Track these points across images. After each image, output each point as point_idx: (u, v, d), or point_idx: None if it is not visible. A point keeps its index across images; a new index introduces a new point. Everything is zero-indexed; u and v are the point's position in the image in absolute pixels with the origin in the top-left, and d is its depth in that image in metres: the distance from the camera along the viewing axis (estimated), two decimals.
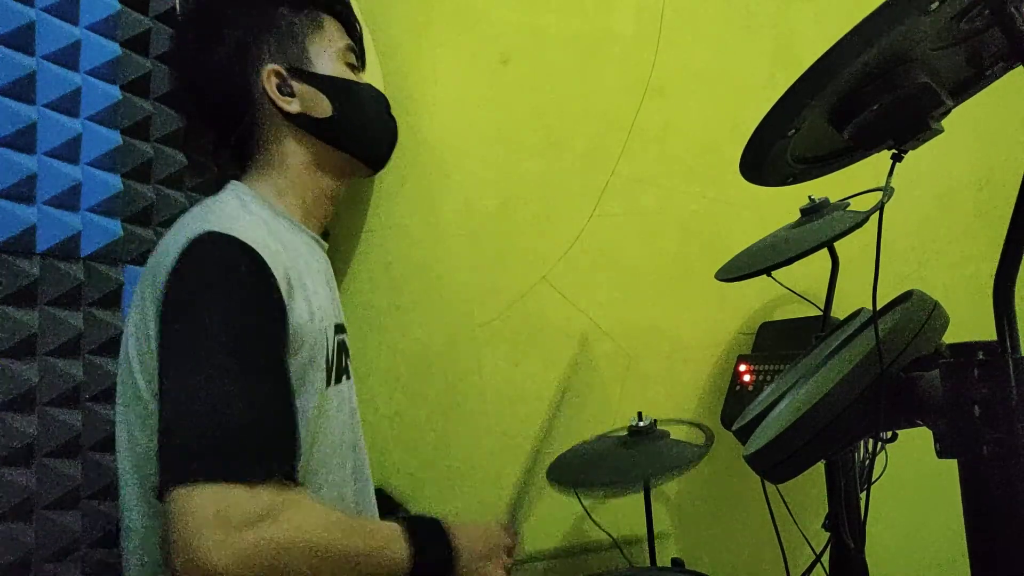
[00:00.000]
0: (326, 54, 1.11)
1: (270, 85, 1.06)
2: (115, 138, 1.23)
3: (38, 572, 1.05)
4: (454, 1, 1.79)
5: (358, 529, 0.91)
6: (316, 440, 1.01)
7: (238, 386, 0.83)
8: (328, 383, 1.04)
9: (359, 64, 1.18)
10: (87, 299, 1.17)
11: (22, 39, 1.09)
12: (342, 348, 1.13)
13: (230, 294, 0.88)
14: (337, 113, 1.09)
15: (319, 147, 1.10)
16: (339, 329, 1.13)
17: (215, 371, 0.83)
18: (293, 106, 1.07)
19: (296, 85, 1.08)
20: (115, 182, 1.22)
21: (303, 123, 1.08)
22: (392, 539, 0.92)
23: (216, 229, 0.90)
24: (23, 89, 1.08)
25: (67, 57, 1.16)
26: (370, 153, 1.17)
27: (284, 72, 1.07)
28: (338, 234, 1.83)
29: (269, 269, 0.90)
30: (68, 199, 1.14)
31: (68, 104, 1.15)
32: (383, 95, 1.19)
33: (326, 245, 1.18)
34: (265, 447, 0.82)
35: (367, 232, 1.79)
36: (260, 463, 0.80)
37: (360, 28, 1.21)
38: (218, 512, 0.76)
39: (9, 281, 1.04)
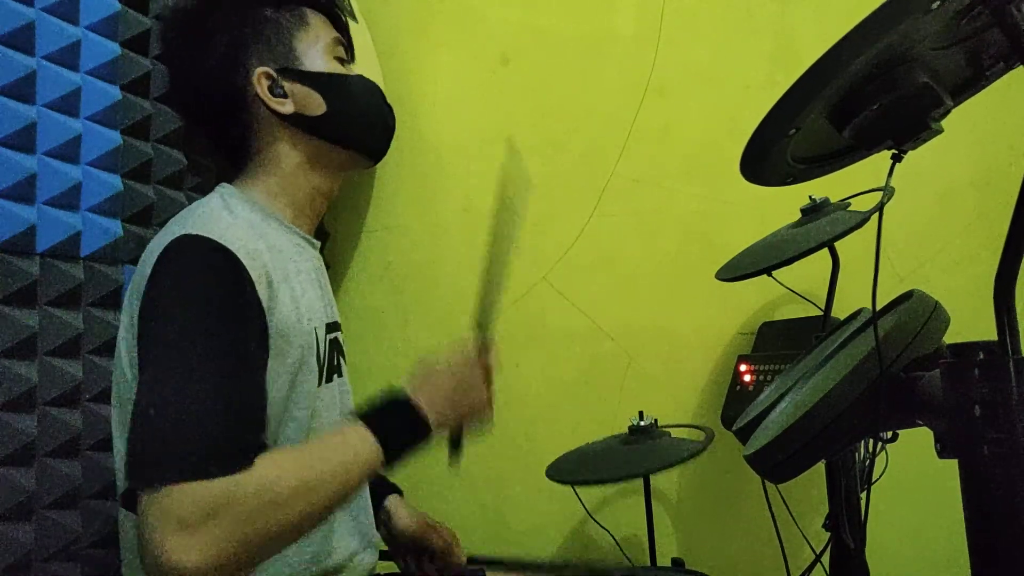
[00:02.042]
0: (314, 50, 1.10)
1: (262, 88, 1.06)
2: (115, 138, 1.23)
3: (38, 572, 1.05)
4: (454, 1, 1.79)
5: (319, 453, 0.88)
6: (309, 439, 1.01)
7: (203, 387, 0.82)
8: (319, 382, 1.04)
9: (348, 56, 1.17)
10: (87, 299, 1.17)
11: (22, 39, 1.09)
12: (335, 347, 1.13)
13: (201, 295, 0.88)
14: (330, 109, 1.09)
15: (315, 145, 1.10)
16: (331, 328, 1.13)
17: (181, 373, 0.83)
18: (287, 107, 1.07)
19: (287, 85, 1.07)
20: (115, 182, 1.22)
21: (298, 123, 1.08)
22: (357, 443, 0.89)
23: (192, 232, 0.90)
24: (23, 89, 1.08)
25: (67, 57, 1.16)
26: (367, 145, 1.16)
27: (274, 73, 1.07)
28: (338, 234, 1.83)
29: (245, 270, 0.90)
30: (68, 199, 1.14)
31: (68, 104, 1.15)
32: (376, 84, 1.18)
33: (318, 244, 1.18)
34: (223, 445, 0.81)
35: (367, 232, 1.79)
36: (216, 461, 0.80)
37: (345, 19, 1.20)
38: (174, 513, 0.75)
39: (9, 281, 1.04)
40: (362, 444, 0.89)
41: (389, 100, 1.22)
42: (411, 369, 1.00)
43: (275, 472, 0.82)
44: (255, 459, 0.82)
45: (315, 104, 1.08)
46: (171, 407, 0.81)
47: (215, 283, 0.89)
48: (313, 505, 0.84)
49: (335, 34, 1.14)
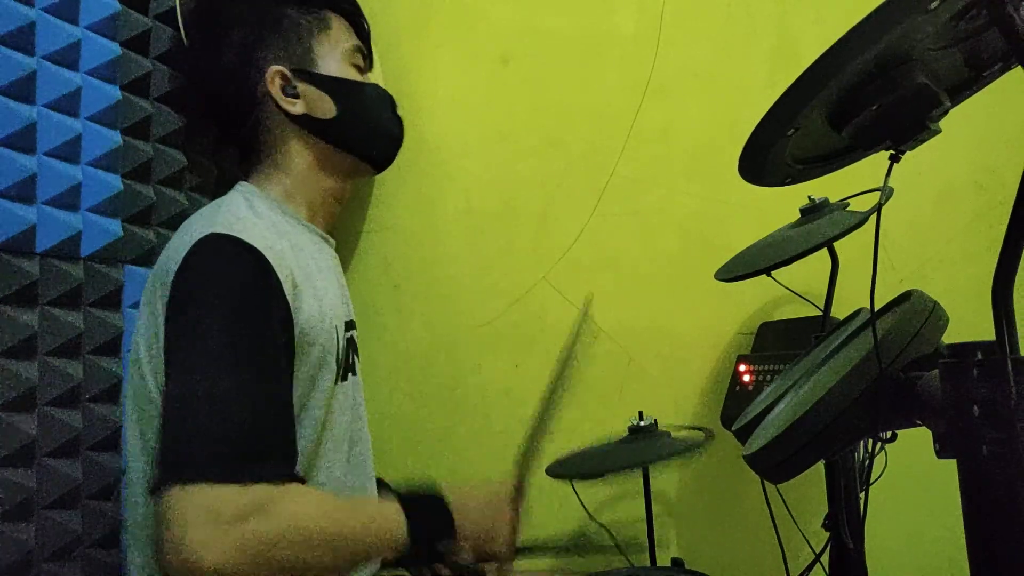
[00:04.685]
0: (332, 55, 1.11)
1: (274, 87, 1.07)
2: (115, 138, 1.23)
3: (38, 572, 1.05)
4: (454, 1, 1.79)
5: (353, 511, 0.90)
6: (322, 436, 1.01)
7: (235, 387, 0.83)
8: (336, 380, 1.04)
9: (366, 64, 1.17)
10: (87, 299, 1.17)
11: (22, 39, 1.09)
12: (351, 345, 1.13)
13: (231, 295, 0.88)
14: (341, 114, 1.09)
15: (323, 148, 1.10)
16: (349, 326, 1.14)
17: (213, 372, 0.83)
18: (297, 107, 1.07)
19: (300, 86, 1.08)
20: (115, 182, 1.22)
21: (307, 124, 1.08)
22: (388, 516, 0.91)
23: (220, 231, 0.90)
24: (23, 89, 1.09)
25: (67, 57, 1.16)
26: (374, 153, 1.17)
27: (288, 73, 1.07)
28: (338, 234, 1.83)
29: (273, 270, 0.91)
30: (68, 199, 1.14)
31: (68, 104, 1.15)
32: (388, 94, 1.19)
33: (334, 242, 1.18)
34: (259, 447, 0.82)
35: (367, 232, 1.79)
36: (253, 464, 0.80)
37: (368, 27, 1.20)
38: (207, 509, 0.76)
39: (9, 281, 1.04)
40: (395, 523, 0.90)
41: None
42: (452, 485, 1.01)
43: (311, 510, 0.83)
44: (292, 475, 0.83)
45: (326, 107, 1.08)
46: (210, 408, 0.81)
47: (246, 283, 0.89)
48: (332, 556, 0.85)
49: (356, 42, 1.15)
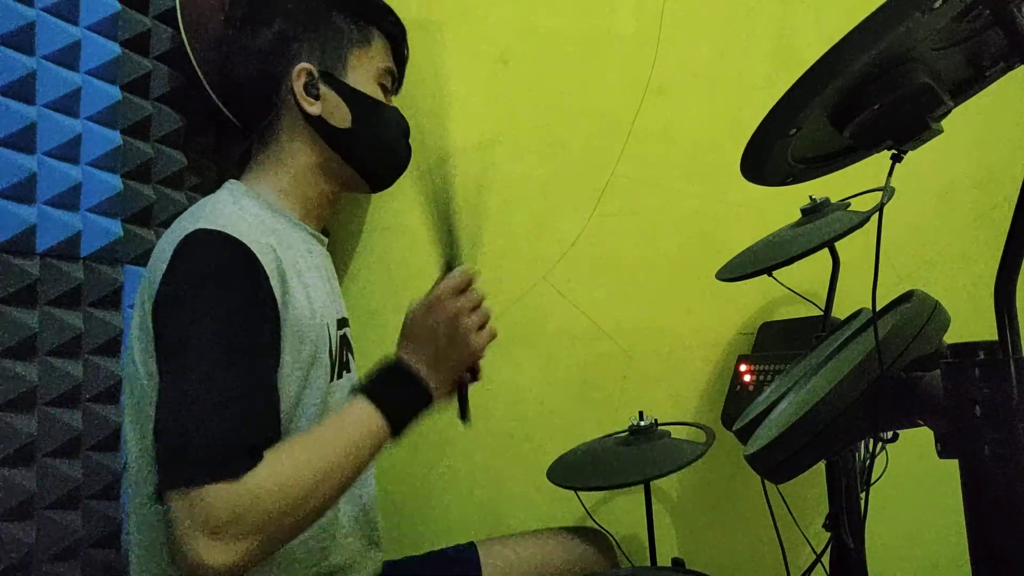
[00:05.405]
0: (363, 69, 1.12)
1: (298, 83, 1.08)
2: (115, 138, 1.23)
3: (38, 572, 1.05)
4: (454, 1, 1.79)
5: (328, 438, 0.89)
6: None
7: (229, 385, 0.83)
8: (331, 378, 1.04)
9: (393, 89, 1.19)
10: (87, 299, 1.17)
11: (22, 39, 1.09)
12: (344, 343, 1.13)
13: (218, 290, 0.88)
14: (355, 126, 1.11)
15: (328, 155, 1.11)
16: (341, 324, 1.14)
17: (205, 370, 0.83)
18: (314, 108, 1.08)
19: (323, 89, 1.09)
20: (115, 182, 1.22)
21: (319, 127, 1.09)
22: (359, 417, 0.91)
23: (206, 226, 0.91)
24: (23, 89, 1.08)
25: (67, 57, 1.16)
26: (375, 174, 1.18)
27: (315, 73, 1.08)
28: (338, 234, 1.83)
29: (259, 264, 0.91)
30: (68, 199, 1.14)
31: (68, 104, 1.15)
32: (405, 121, 1.20)
33: (326, 240, 1.19)
34: (256, 443, 0.82)
35: (367, 232, 1.79)
36: (247, 458, 0.80)
37: (407, 55, 1.22)
38: (205, 517, 0.76)
39: (9, 281, 1.04)
40: (369, 420, 0.91)
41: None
42: (398, 334, 0.99)
43: (292, 468, 0.83)
44: (264, 453, 0.83)
45: (342, 116, 1.10)
46: (192, 407, 0.82)
47: (231, 277, 0.90)
48: (330, 492, 0.86)
49: (390, 64, 1.17)
